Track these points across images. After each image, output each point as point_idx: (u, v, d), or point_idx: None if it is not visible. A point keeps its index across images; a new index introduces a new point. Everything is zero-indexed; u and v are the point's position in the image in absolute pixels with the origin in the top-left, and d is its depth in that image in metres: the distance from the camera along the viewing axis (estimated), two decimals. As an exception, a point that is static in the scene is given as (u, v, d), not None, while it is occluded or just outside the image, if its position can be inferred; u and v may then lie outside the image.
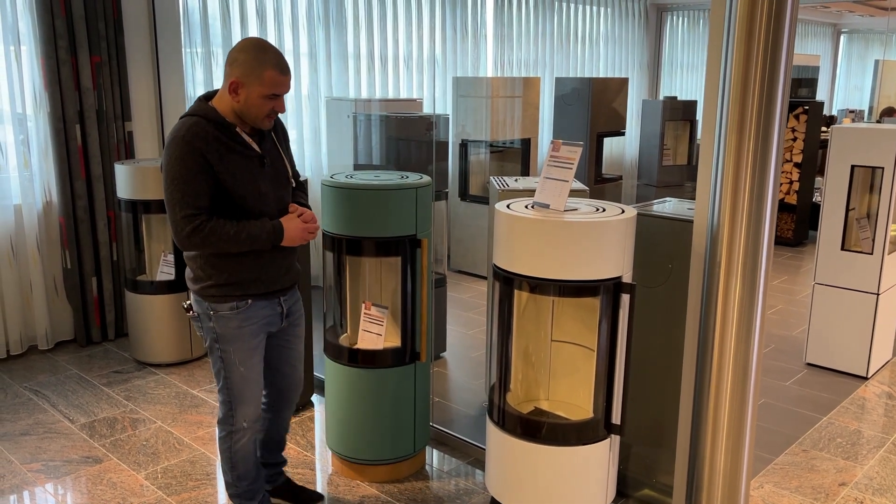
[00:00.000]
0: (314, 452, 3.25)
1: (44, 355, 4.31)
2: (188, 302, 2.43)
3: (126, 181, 4.04)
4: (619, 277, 2.28)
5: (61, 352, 4.37)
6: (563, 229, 2.20)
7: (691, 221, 2.49)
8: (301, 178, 3.51)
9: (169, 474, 3.05)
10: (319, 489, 2.97)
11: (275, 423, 2.69)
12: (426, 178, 2.95)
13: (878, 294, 4.03)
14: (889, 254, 4.03)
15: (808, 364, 4.30)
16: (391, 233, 2.83)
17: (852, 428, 3.55)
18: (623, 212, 2.32)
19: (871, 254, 4.02)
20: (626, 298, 2.29)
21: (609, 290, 2.27)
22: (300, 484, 2.92)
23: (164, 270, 4.17)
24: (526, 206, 2.38)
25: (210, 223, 2.20)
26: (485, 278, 6.04)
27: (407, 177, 2.98)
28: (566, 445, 2.34)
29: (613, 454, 2.44)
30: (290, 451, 3.25)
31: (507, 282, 2.37)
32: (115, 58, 4.36)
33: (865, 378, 4.12)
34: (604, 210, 2.35)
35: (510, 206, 2.38)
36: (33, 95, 4.16)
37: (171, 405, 3.70)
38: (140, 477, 3.04)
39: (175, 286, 4.12)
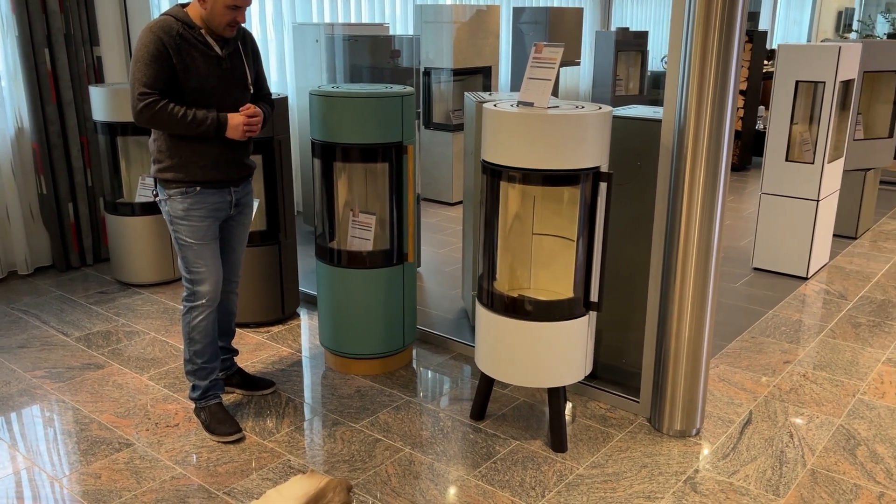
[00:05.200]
0: (304, 353, 3.46)
1: (24, 280, 4.37)
2: (154, 189, 2.70)
3: (102, 103, 4.07)
4: (598, 167, 2.51)
5: (42, 277, 4.43)
6: (548, 122, 2.41)
7: (659, 121, 2.74)
8: (281, 96, 3.63)
9: (172, 375, 3.22)
10: (312, 384, 3.19)
11: (219, 303, 2.86)
12: (409, 89, 3.11)
13: (818, 200, 4.39)
14: (829, 163, 4.38)
15: (755, 269, 4.68)
16: (378, 140, 3.00)
17: (794, 318, 3.92)
18: (601, 108, 2.53)
19: (813, 164, 4.36)
20: (603, 186, 2.53)
21: (588, 178, 2.50)
22: (255, 374, 3.18)
23: (143, 193, 4.24)
24: (511, 105, 2.57)
25: (161, 103, 2.48)
26: (450, 204, 6.25)
27: (391, 87, 3.14)
28: (549, 321, 2.59)
29: (591, 330, 2.72)
30: (283, 353, 3.45)
31: (495, 174, 2.57)
32: (81, -20, 4.33)
33: (806, 279, 4.51)
34: (583, 107, 2.56)
35: (497, 105, 2.57)
36: (1, 18, 4.12)
37: (162, 319, 3.84)
38: (144, 378, 3.20)
39: (155, 208, 4.21)
